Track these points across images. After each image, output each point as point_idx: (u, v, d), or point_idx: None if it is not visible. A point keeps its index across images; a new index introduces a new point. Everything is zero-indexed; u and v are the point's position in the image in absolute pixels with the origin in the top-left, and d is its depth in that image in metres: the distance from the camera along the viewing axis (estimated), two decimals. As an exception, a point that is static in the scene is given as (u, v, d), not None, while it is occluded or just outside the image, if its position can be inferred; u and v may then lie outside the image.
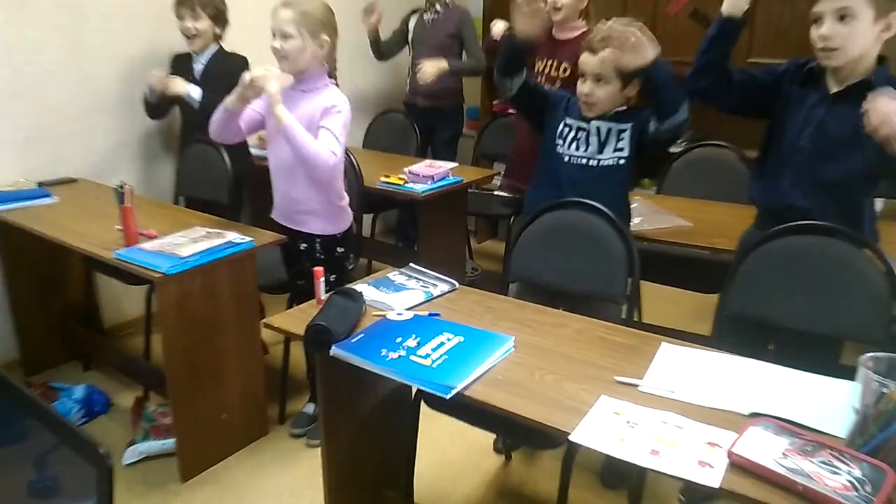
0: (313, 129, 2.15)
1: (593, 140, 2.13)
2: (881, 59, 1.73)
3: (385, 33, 3.90)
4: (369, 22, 3.74)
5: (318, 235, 2.32)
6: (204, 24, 2.84)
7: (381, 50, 3.92)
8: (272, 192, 2.37)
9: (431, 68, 3.57)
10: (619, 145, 2.11)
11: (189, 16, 2.81)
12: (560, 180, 2.17)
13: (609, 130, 2.11)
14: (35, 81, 2.78)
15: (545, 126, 2.24)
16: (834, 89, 1.78)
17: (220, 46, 2.94)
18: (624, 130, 2.10)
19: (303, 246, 2.34)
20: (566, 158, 2.17)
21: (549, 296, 2.07)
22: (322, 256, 2.33)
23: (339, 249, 2.37)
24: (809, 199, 1.81)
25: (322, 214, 2.29)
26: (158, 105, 2.96)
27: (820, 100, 1.80)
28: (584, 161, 2.14)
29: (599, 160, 2.13)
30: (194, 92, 2.79)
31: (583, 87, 2.08)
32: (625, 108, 2.12)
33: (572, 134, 2.17)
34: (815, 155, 1.80)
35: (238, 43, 2.99)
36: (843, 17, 1.66)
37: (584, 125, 2.15)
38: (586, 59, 2.06)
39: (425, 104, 3.83)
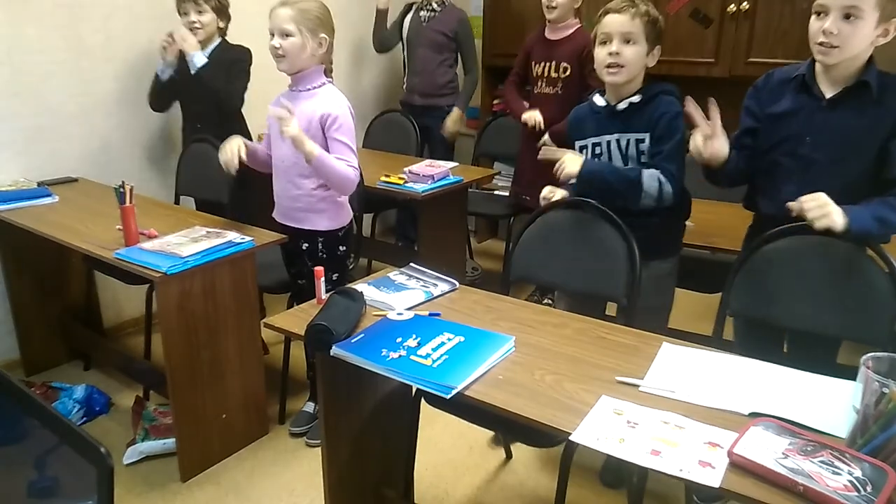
0: (313, 130, 2.17)
1: (616, 154, 2.00)
2: (870, 60, 1.74)
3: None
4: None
5: (320, 234, 2.32)
6: (207, 17, 2.84)
7: (380, 39, 3.94)
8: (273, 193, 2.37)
9: (454, 125, 3.80)
10: (644, 158, 1.96)
11: (193, 10, 2.82)
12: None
13: (628, 142, 1.97)
14: (35, 81, 2.79)
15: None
16: (829, 93, 1.77)
17: (224, 39, 2.94)
18: (642, 140, 1.96)
19: (305, 245, 2.34)
20: None
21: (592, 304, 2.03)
22: (324, 255, 2.33)
23: (341, 248, 2.38)
24: None
25: (323, 211, 2.30)
26: (164, 90, 2.95)
27: (816, 107, 1.79)
28: None
29: None
30: (199, 59, 2.79)
31: (608, 48, 1.91)
32: (639, 97, 1.95)
33: (590, 152, 2.04)
34: (818, 162, 1.79)
35: (240, 41, 2.99)
36: (848, 15, 1.65)
37: (597, 140, 2.02)
38: (612, 20, 1.91)
39: (422, 102, 3.83)
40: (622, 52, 1.91)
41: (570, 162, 1.93)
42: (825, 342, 1.79)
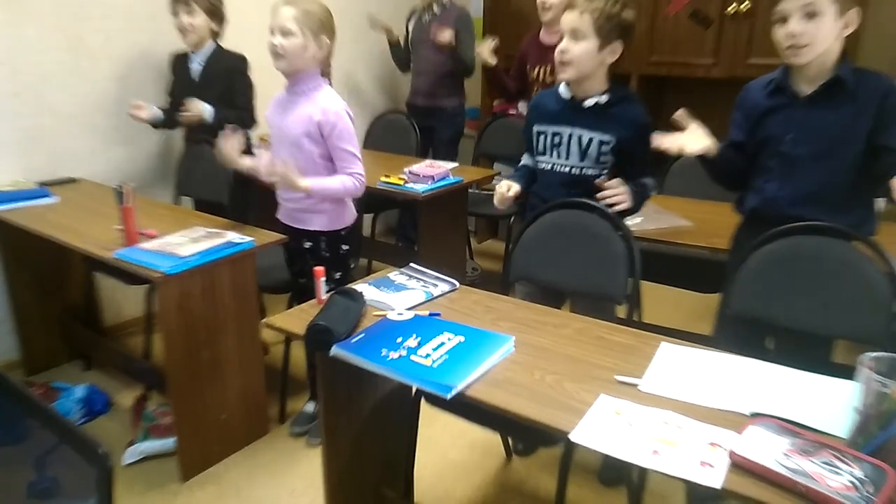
0: (313, 134, 2.18)
1: (574, 149, 2.02)
2: (843, 55, 1.76)
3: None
4: (382, 29, 3.79)
5: (323, 233, 2.32)
6: (199, 19, 2.81)
7: (402, 62, 3.95)
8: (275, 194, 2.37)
9: (445, 36, 3.58)
10: (603, 159, 2.00)
11: (184, 11, 2.80)
12: (547, 194, 2.11)
13: (591, 141, 1.99)
14: (35, 81, 2.79)
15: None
16: (806, 91, 1.79)
17: (218, 45, 2.92)
18: (606, 143, 1.98)
19: (307, 244, 2.34)
20: (550, 167, 2.08)
21: (554, 295, 2.06)
22: (327, 254, 2.34)
23: (344, 247, 2.38)
24: (800, 206, 1.81)
25: (326, 211, 2.30)
26: (168, 123, 2.96)
27: (793, 105, 1.81)
28: (567, 169, 2.05)
29: (582, 168, 2.03)
30: (206, 112, 2.79)
31: (560, 45, 1.94)
32: (607, 97, 1.97)
33: (548, 140, 2.07)
34: (800, 159, 1.80)
35: (238, 44, 2.98)
36: (809, 14, 1.68)
37: (558, 129, 2.04)
38: (565, 17, 1.92)
39: (426, 103, 3.83)
40: (569, 49, 1.92)
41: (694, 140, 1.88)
42: (817, 340, 1.79)
